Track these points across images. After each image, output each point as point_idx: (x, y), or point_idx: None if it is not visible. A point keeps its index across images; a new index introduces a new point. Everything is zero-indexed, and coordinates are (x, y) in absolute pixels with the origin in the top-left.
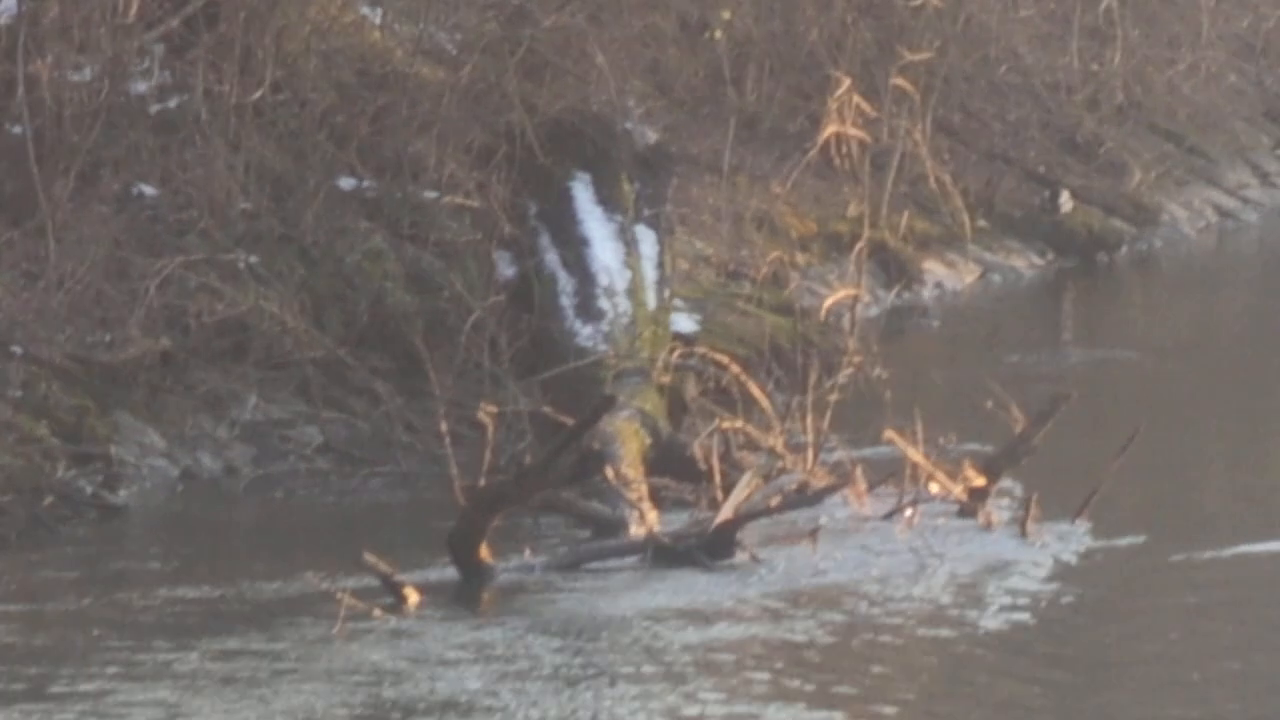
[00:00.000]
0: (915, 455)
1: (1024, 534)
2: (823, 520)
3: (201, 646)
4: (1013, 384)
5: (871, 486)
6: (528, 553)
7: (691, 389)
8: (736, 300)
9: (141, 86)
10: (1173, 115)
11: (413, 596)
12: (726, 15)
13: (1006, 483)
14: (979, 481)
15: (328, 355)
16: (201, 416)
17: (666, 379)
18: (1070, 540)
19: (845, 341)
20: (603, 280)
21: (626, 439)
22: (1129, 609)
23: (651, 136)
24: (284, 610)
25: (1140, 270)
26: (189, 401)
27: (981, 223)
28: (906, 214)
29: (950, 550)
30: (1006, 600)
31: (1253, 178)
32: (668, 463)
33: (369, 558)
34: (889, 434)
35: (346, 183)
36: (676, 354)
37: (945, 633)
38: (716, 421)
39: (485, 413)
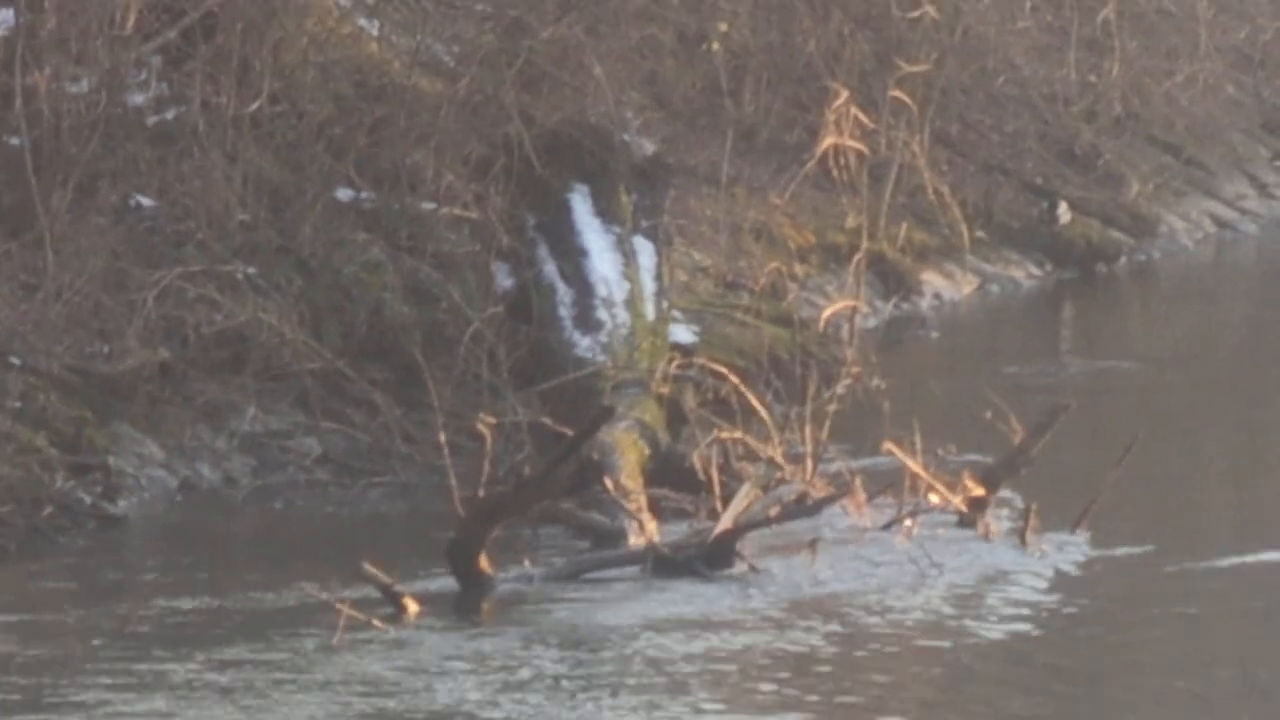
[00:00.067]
0: (914, 466)
1: (1023, 544)
2: (822, 531)
3: (200, 657)
4: (1011, 395)
5: (871, 497)
6: (527, 563)
7: (690, 400)
8: (735, 311)
9: (139, 98)
10: (1171, 127)
11: (412, 607)
12: (724, 27)
13: (1006, 493)
14: (978, 492)
15: (326, 366)
16: (200, 427)
17: (665, 390)
18: (1069, 550)
19: (844, 352)
20: (601, 291)
21: (625, 450)
22: (1128, 619)
23: (649, 148)
24: (283, 620)
25: (1138, 281)
26: (188, 412)
27: (980, 234)
28: (905, 225)
29: (949, 561)
30: (1006, 610)
31: (1250, 189)
32: (667, 473)
33: (368, 568)
34: (888, 445)
35: (344, 194)
36: (675, 365)
37: (945, 643)
38: (715, 432)
39: (484, 424)
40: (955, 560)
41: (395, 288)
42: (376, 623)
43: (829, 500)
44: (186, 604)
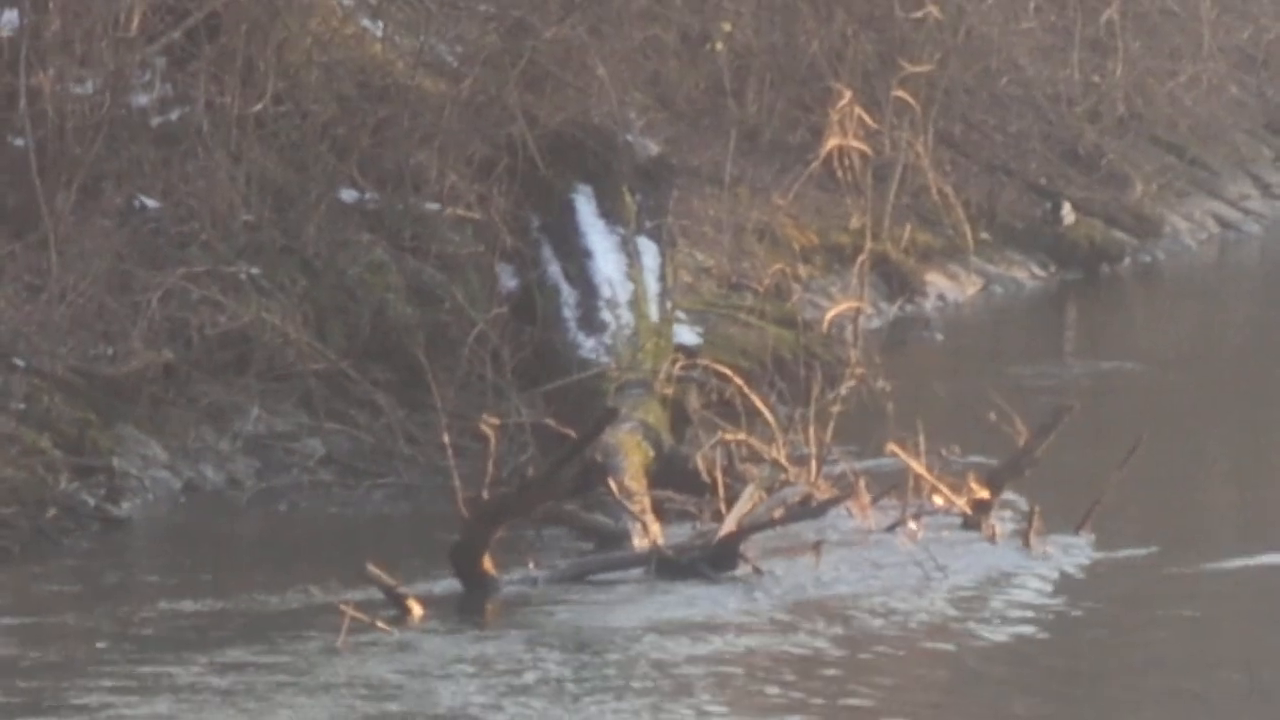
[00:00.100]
0: (918, 467)
1: (1027, 546)
2: (826, 533)
3: (204, 659)
4: (1015, 396)
5: (875, 499)
6: (531, 565)
7: (694, 401)
8: (739, 312)
9: (143, 99)
10: (1174, 127)
11: (416, 609)
12: (727, 27)
13: (1010, 495)
14: (982, 494)
15: (330, 367)
16: (204, 429)
17: (669, 391)
18: (1073, 552)
19: (848, 353)
20: (605, 292)
21: (629, 451)
22: (1132, 621)
23: (653, 148)
24: (287, 622)
25: (1142, 282)
26: (191, 414)
27: (983, 235)
28: (908, 226)
29: (954, 562)
30: (1010, 612)
31: (1254, 189)
32: (670, 475)
33: (372, 570)
34: (892, 446)
35: (348, 195)
36: (679, 366)
37: (949, 645)
38: (719, 434)
39: (487, 425)
40: (959, 562)
41: (399, 288)
42: (380, 625)
43: (833, 502)
44: (190, 606)
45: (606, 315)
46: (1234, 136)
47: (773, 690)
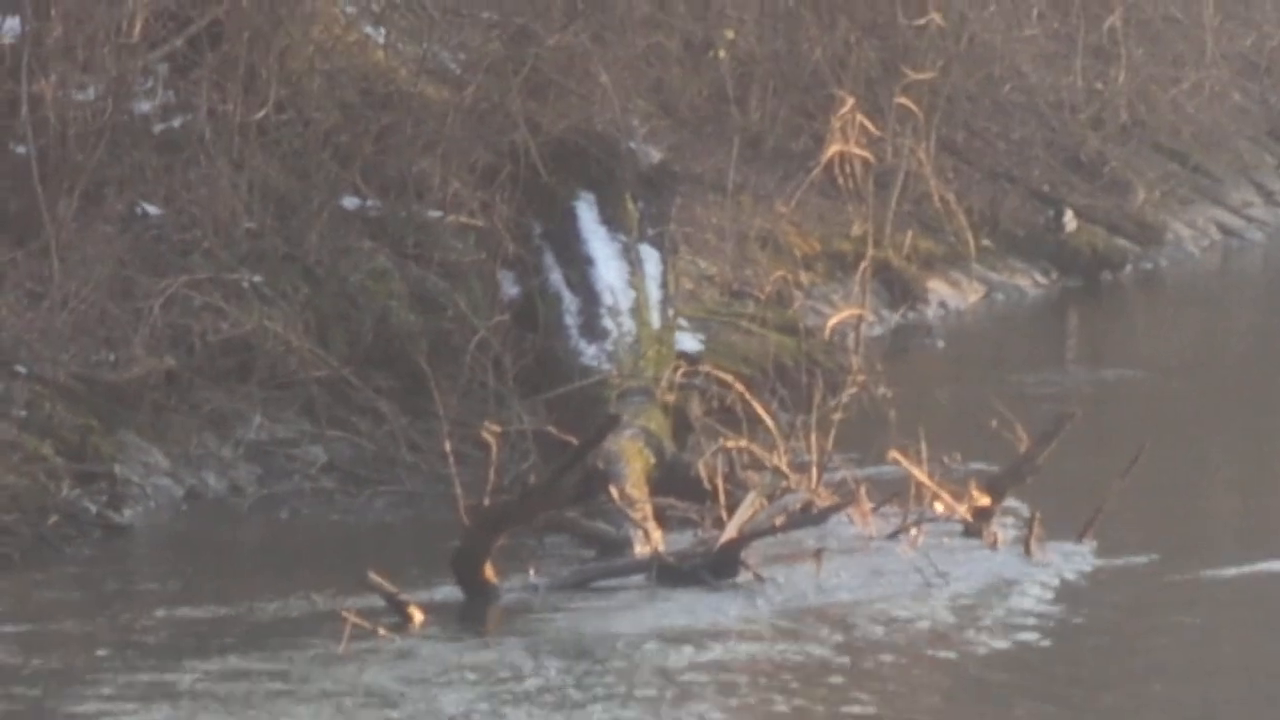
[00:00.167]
0: (920, 475)
1: (1028, 553)
2: (827, 540)
3: (205, 666)
4: (1017, 403)
5: (876, 506)
6: (532, 572)
7: (696, 408)
8: (740, 319)
9: (145, 106)
10: (1177, 134)
11: (417, 616)
12: (730, 34)
13: (1011, 502)
14: (984, 501)
15: (332, 375)
16: (206, 436)
17: (671, 398)
18: (1075, 560)
19: (849, 360)
20: (607, 299)
21: (631, 458)
22: (1134, 628)
23: (655, 156)
24: (288, 630)
25: (1145, 289)
26: (194, 421)
27: (985, 242)
28: (910, 233)
29: (955, 570)
30: (1011, 620)
31: (1257, 196)
32: (672, 482)
33: (373, 577)
34: (893, 453)
35: (350, 202)
36: (681, 373)
37: (950, 653)
38: (721, 441)
39: (489, 432)
40: (960, 569)
41: (401, 296)
42: (382, 632)
43: (834, 509)
44: (191, 613)
45: (608, 322)
46: (1237, 143)
47: (774, 697)
